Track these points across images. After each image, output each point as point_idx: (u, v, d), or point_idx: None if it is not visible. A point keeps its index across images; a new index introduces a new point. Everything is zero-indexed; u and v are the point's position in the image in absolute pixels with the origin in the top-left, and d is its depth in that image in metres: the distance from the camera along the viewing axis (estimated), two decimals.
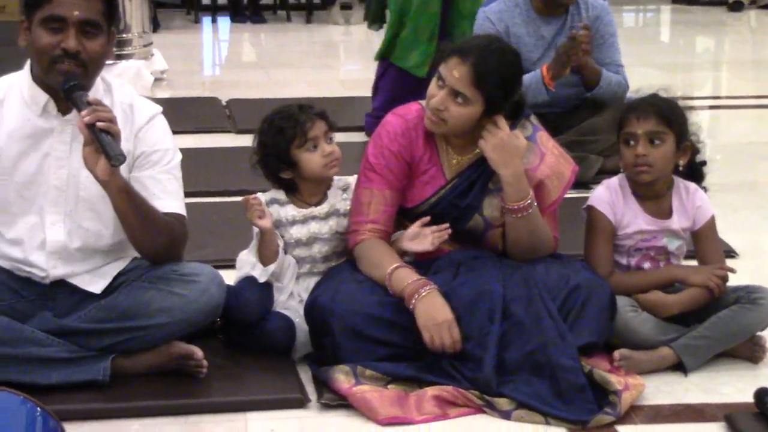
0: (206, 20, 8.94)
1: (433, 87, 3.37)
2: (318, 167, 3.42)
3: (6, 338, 3.08)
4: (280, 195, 3.50)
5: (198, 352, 3.22)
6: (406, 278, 3.21)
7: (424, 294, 3.17)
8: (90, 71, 3.10)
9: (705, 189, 3.60)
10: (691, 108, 3.58)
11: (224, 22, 8.90)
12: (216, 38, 8.72)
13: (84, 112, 2.95)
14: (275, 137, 3.43)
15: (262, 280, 3.37)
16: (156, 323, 3.16)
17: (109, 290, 3.23)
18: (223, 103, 6.44)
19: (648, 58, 7.54)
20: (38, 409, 2.31)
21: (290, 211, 3.47)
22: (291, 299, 3.45)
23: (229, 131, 5.88)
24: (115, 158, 2.94)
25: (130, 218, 3.12)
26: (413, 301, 3.17)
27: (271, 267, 3.37)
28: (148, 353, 3.22)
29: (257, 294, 3.37)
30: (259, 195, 3.49)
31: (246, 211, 3.36)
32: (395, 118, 3.46)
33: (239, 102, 6.41)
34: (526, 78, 4.96)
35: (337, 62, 7.99)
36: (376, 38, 8.34)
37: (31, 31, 3.09)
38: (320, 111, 3.48)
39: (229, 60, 8.27)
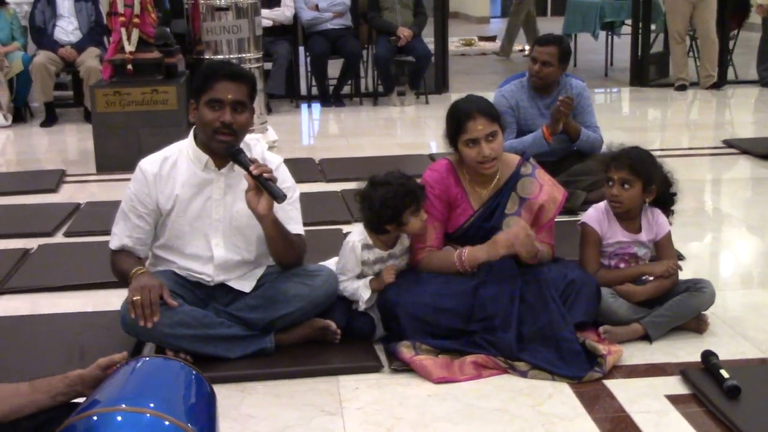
0: (304, 106, 8.92)
1: (474, 149, 3.30)
2: (417, 228, 3.29)
3: (201, 322, 3.10)
4: (368, 241, 3.34)
5: (332, 324, 3.24)
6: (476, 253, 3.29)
7: (466, 251, 3.28)
8: (239, 136, 3.15)
9: (673, 212, 3.53)
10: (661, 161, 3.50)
11: (316, 106, 8.89)
12: (311, 118, 8.69)
13: (252, 167, 3.01)
14: (401, 201, 3.23)
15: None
16: (293, 305, 3.18)
17: (254, 289, 3.26)
18: (317, 162, 6.39)
19: (615, 123, 7.50)
20: (193, 371, 2.28)
21: (377, 252, 3.35)
22: (374, 305, 3.34)
23: (320, 181, 5.86)
24: (281, 197, 3.03)
25: (277, 240, 3.16)
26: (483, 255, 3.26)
27: (372, 299, 3.32)
28: (298, 327, 3.24)
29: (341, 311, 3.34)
30: (356, 240, 3.35)
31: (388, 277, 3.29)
32: (431, 173, 3.43)
33: (328, 160, 6.39)
34: (530, 136, 4.94)
35: (395, 132, 7.95)
36: (423, 115, 8.38)
37: (198, 110, 3.14)
38: (423, 187, 3.36)
39: (320, 132, 8.25)
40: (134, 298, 2.99)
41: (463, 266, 3.28)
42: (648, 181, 3.38)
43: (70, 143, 7.57)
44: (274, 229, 3.12)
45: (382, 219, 3.28)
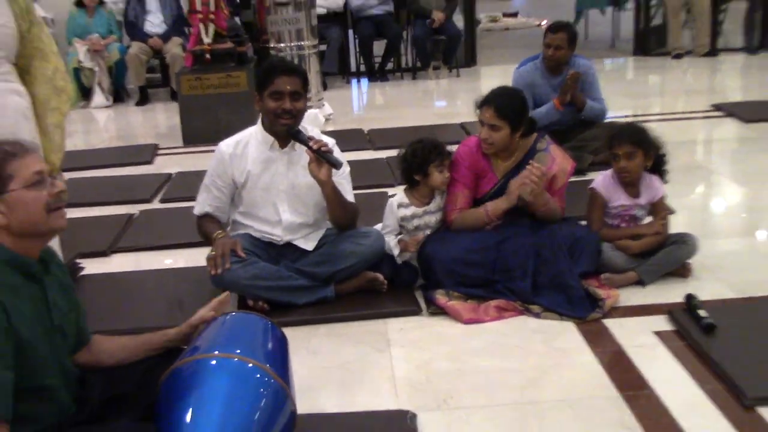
0: (353, 81, 8.97)
1: (479, 128, 3.41)
2: (438, 183, 3.41)
3: (274, 275, 3.24)
4: (405, 200, 3.45)
5: (380, 276, 3.35)
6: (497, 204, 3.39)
7: (490, 205, 3.39)
8: (298, 120, 3.26)
9: (666, 172, 3.54)
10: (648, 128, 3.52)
11: (364, 81, 8.94)
12: (360, 92, 8.71)
13: (312, 143, 3.15)
14: (424, 154, 3.38)
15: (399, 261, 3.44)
16: (349, 261, 3.30)
17: (316, 248, 3.38)
18: (365, 132, 6.44)
19: (621, 90, 7.46)
20: (269, 322, 2.40)
21: (413, 209, 3.45)
22: (413, 257, 3.44)
23: (369, 149, 5.91)
24: (339, 164, 3.19)
25: (336, 204, 3.27)
26: (503, 204, 3.36)
27: (406, 255, 3.42)
28: (353, 279, 3.35)
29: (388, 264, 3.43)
30: (394, 200, 3.48)
31: (410, 247, 3.38)
32: (464, 147, 3.49)
33: (375, 131, 6.43)
34: (544, 108, 4.97)
35: (432, 103, 7.96)
36: (455, 86, 8.39)
37: (261, 100, 3.26)
38: (450, 151, 3.47)
39: (368, 104, 8.26)
40: (210, 254, 3.20)
41: (489, 217, 3.37)
42: (647, 149, 3.42)
43: (160, 119, 7.72)
44: (333, 193, 3.24)
45: (412, 167, 3.40)
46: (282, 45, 6.57)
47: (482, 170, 3.46)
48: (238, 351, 2.19)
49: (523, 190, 3.30)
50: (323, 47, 8.25)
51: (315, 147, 3.14)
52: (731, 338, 2.87)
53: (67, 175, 4.67)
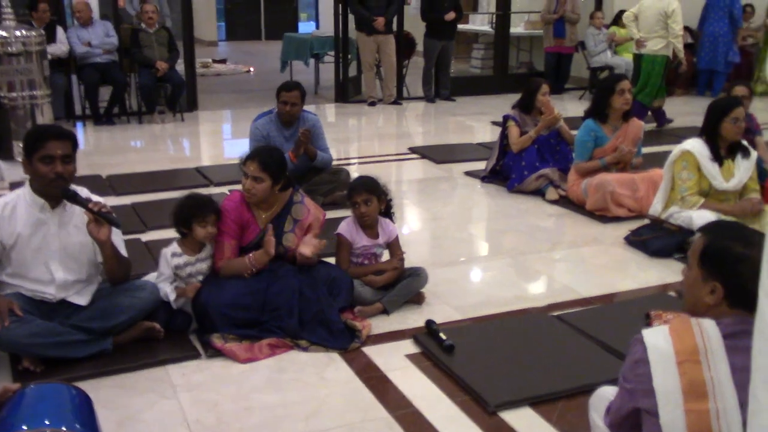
0: (80, 125, 8.39)
1: (243, 180, 3.42)
2: (201, 236, 3.36)
3: (52, 332, 2.98)
4: (177, 249, 3.37)
5: (156, 325, 3.22)
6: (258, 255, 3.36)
7: (253, 255, 3.36)
8: (69, 182, 3.04)
9: (393, 213, 3.78)
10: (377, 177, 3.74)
11: (90, 125, 8.37)
12: (88, 136, 8.14)
13: (91, 205, 2.96)
14: (189, 211, 3.33)
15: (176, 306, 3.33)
16: (126, 315, 3.14)
17: (90, 302, 3.16)
18: (104, 177, 6.03)
19: (329, 135, 7.62)
20: (71, 387, 2.24)
21: (185, 258, 3.38)
22: (187, 303, 3.36)
23: (112, 195, 5.51)
24: (118, 224, 3.05)
25: (113, 260, 3.09)
26: (264, 258, 3.35)
27: (181, 301, 3.33)
28: (130, 330, 3.18)
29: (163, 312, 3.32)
30: (167, 250, 3.38)
31: (188, 293, 3.30)
32: (229, 202, 3.47)
33: (115, 176, 6.04)
34: None
35: (163, 147, 7.65)
36: (180, 130, 8.14)
37: (31, 164, 3.01)
38: (217, 208, 3.41)
39: (99, 150, 7.64)
40: None
41: (252, 265, 3.36)
42: (380, 194, 3.65)
43: None
44: (111, 251, 3.08)
45: (177, 220, 3.36)
46: (14, 94, 6.02)
47: (246, 221, 3.46)
48: (47, 423, 2.03)
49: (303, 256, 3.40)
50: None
51: (96, 209, 2.97)
52: (468, 355, 3.14)
53: None
